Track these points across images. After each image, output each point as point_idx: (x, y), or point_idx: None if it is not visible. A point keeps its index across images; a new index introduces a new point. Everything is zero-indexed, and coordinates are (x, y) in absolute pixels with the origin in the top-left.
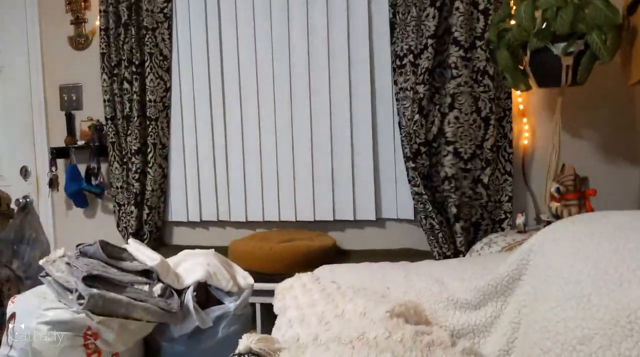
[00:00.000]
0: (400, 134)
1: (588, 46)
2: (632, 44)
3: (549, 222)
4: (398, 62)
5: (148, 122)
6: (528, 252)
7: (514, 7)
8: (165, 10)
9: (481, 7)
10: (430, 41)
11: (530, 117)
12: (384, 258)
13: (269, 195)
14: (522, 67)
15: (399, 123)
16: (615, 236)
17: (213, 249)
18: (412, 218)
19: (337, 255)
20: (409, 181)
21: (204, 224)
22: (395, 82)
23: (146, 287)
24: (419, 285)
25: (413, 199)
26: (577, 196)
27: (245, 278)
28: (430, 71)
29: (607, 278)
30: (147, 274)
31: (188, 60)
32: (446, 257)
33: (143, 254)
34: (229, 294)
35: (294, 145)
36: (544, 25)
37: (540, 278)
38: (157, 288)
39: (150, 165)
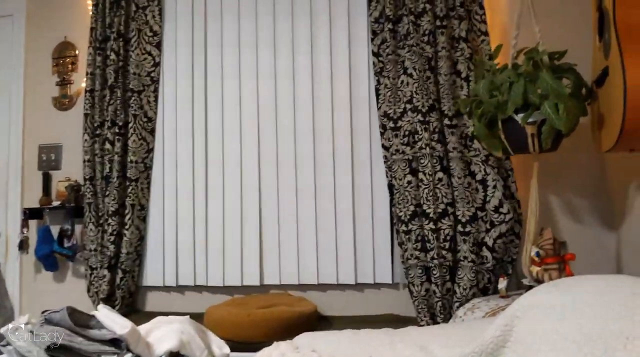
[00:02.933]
0: (393, 197)
1: None
2: (601, 114)
3: (530, 287)
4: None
5: (128, 183)
6: (512, 317)
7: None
8: (152, 74)
9: (463, 75)
10: (409, 106)
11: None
12: (367, 324)
13: (250, 258)
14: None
15: (391, 185)
16: (597, 301)
17: (188, 316)
18: (390, 282)
19: (318, 321)
20: (400, 245)
21: (180, 288)
22: (384, 147)
23: None
24: (404, 353)
25: (403, 263)
26: (557, 260)
27: (220, 348)
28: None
29: (592, 344)
30: (116, 343)
31: (172, 122)
32: (435, 323)
33: (113, 321)
34: None
35: (279, 210)
36: (501, 99)
37: (525, 345)
38: None
39: (127, 227)
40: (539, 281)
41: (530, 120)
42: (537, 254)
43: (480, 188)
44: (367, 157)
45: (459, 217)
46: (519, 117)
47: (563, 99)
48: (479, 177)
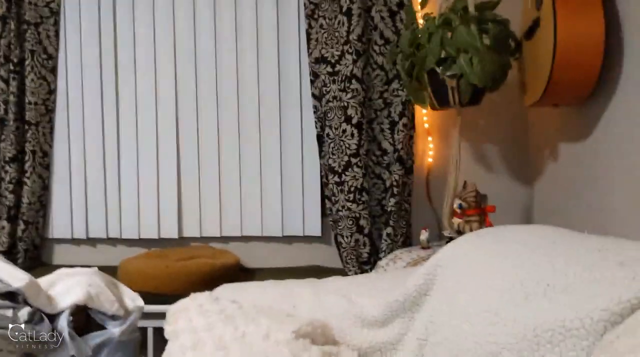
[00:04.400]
0: (326, 147)
1: None
2: (528, 68)
3: (451, 238)
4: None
5: (27, 127)
6: (435, 266)
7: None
8: (51, 5)
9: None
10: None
11: (434, 136)
12: (292, 276)
13: (168, 209)
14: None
15: (322, 135)
16: (519, 249)
17: (96, 268)
18: (320, 235)
19: (241, 273)
20: (330, 197)
21: (90, 241)
22: (314, 96)
23: (10, 312)
24: (327, 302)
25: (331, 215)
26: (478, 212)
27: (133, 300)
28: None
29: (514, 292)
30: (13, 297)
31: (77, 60)
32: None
33: (8, 274)
34: (114, 318)
35: (199, 156)
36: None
37: (447, 293)
38: (24, 313)
39: (27, 174)
40: (460, 233)
41: (449, 73)
42: (460, 206)
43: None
44: (297, 106)
45: (406, 166)
46: (440, 69)
47: (478, 53)
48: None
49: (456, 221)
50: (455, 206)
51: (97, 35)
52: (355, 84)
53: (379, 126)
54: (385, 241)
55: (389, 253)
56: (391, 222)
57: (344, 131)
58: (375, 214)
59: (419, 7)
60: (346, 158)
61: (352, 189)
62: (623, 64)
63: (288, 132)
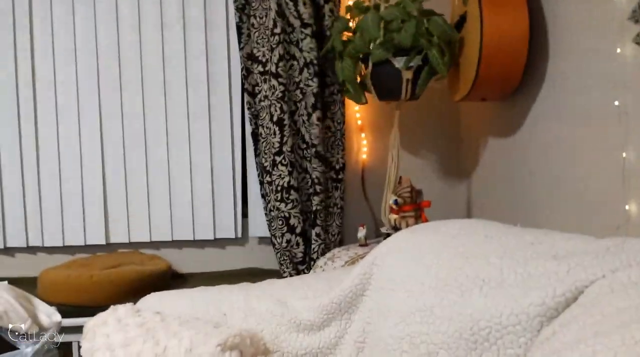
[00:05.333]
0: (260, 146)
1: (425, 61)
2: (458, 62)
3: (388, 235)
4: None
5: None
6: (370, 265)
7: (353, 20)
8: None
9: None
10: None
11: (367, 132)
12: (225, 280)
13: (93, 213)
14: (359, 80)
15: (256, 133)
16: (453, 244)
17: (5, 282)
18: (253, 236)
19: (173, 280)
20: (263, 196)
21: (8, 251)
22: (246, 91)
23: None
24: (260, 308)
25: (266, 215)
26: (414, 207)
27: (49, 315)
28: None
29: (448, 289)
30: None
31: None
32: (298, 274)
33: None
34: (27, 336)
35: (125, 157)
36: (386, 37)
37: (383, 292)
38: None
39: None
40: (397, 229)
41: (410, 64)
42: (396, 202)
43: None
44: (227, 104)
45: (333, 164)
46: (397, 61)
47: (451, 44)
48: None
49: (392, 217)
50: (390, 201)
51: (11, 23)
52: (272, 80)
53: (300, 118)
54: (316, 240)
55: (322, 253)
56: (318, 221)
57: (268, 128)
58: (308, 211)
59: None
60: (271, 157)
61: (279, 188)
62: (548, 60)
63: (217, 131)
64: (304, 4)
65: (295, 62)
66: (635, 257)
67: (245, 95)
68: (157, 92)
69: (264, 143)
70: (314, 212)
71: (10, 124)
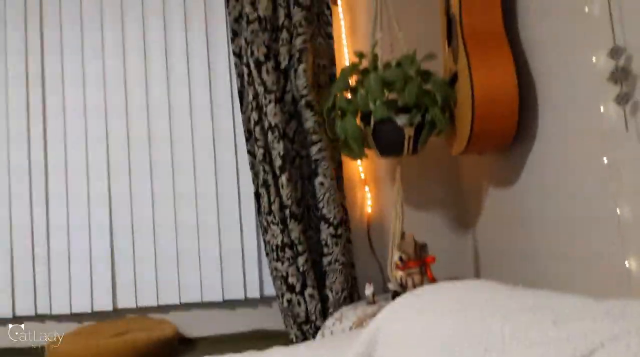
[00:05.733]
0: (261, 205)
1: (424, 117)
2: (452, 117)
3: (396, 292)
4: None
5: None
6: (375, 331)
7: (352, 80)
8: None
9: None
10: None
11: (371, 186)
12: (233, 344)
13: (100, 279)
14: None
15: (258, 192)
16: (455, 309)
17: None
18: (259, 297)
19: (180, 346)
20: (267, 254)
21: (17, 320)
22: (248, 152)
23: None
24: None
25: (271, 274)
26: (418, 263)
27: None
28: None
29: None
30: None
31: (3, 126)
32: (304, 336)
33: None
34: None
35: (133, 221)
36: (390, 97)
37: None
38: None
39: None
40: (403, 286)
41: (412, 121)
42: (400, 259)
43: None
44: (232, 163)
45: (330, 220)
46: (400, 118)
47: (452, 102)
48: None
49: (398, 273)
50: (395, 258)
51: (24, 68)
52: (255, 144)
53: (301, 180)
54: (312, 299)
55: (323, 312)
56: (327, 282)
57: (261, 189)
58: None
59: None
60: (264, 216)
61: (274, 247)
62: (538, 115)
63: (224, 190)
64: (267, 71)
65: (264, 126)
66: (635, 323)
67: (248, 155)
68: (163, 150)
69: (262, 202)
70: (308, 272)
71: (22, 191)
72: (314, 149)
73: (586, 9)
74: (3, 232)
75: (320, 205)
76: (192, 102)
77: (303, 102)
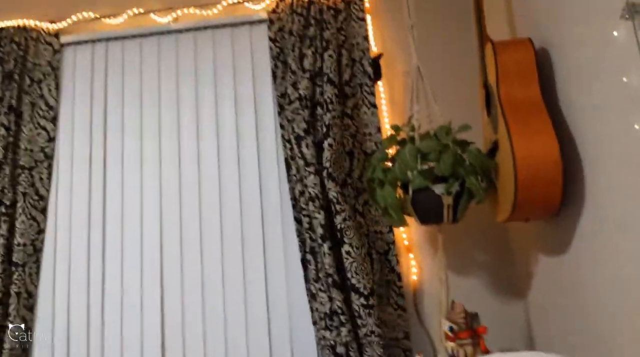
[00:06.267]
0: (307, 272)
1: (463, 186)
2: (496, 185)
3: None
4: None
5: (14, 268)
6: None
7: (391, 151)
8: (46, 150)
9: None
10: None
11: (415, 253)
12: None
13: None
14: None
15: (304, 260)
16: None
17: None
18: None
19: None
20: (314, 323)
21: None
22: (296, 220)
23: None
24: None
25: (318, 344)
26: (470, 334)
27: None
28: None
29: None
30: None
31: (67, 202)
32: None
33: None
34: None
35: (183, 307)
36: (426, 167)
37: None
38: None
39: (10, 318)
40: None
41: (450, 190)
42: (450, 329)
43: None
44: (280, 235)
45: (360, 290)
46: (437, 187)
47: (488, 172)
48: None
49: (449, 344)
50: (445, 328)
51: (88, 181)
52: (299, 214)
53: (320, 249)
54: None
55: None
56: (351, 353)
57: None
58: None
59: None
60: (315, 284)
61: (322, 315)
62: (585, 179)
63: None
64: (307, 145)
65: (306, 196)
66: None
67: (295, 223)
68: (213, 231)
69: (309, 269)
70: (344, 344)
71: (80, 273)
72: (339, 218)
73: (624, 79)
74: (61, 313)
75: (349, 275)
76: (240, 173)
77: (325, 173)
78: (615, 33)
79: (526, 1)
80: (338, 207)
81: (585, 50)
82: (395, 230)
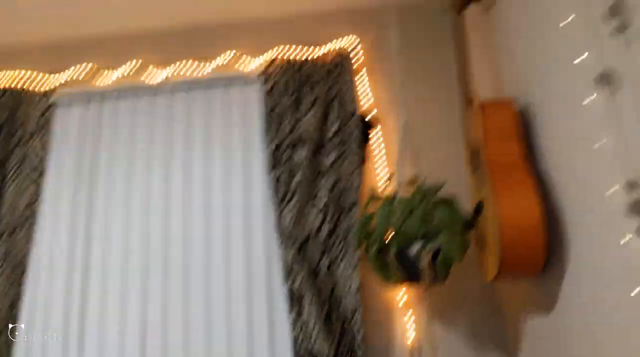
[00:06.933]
0: None
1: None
2: (482, 244)
3: None
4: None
5: None
6: None
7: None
8: (31, 207)
9: None
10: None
11: (412, 313)
12: None
13: None
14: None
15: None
16: None
17: None
18: None
19: None
20: None
21: None
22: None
23: None
24: None
25: None
26: None
27: None
28: None
29: None
30: None
31: (47, 261)
32: None
33: None
34: None
35: None
36: (398, 228)
37: None
38: None
39: None
40: None
41: (425, 250)
42: None
43: None
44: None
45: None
46: (414, 247)
47: (458, 231)
48: None
49: None
50: None
51: (69, 240)
52: None
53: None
54: None
55: None
56: None
57: None
58: None
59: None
60: None
61: None
62: (569, 240)
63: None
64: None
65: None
66: None
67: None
68: (198, 298)
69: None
70: None
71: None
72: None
73: (597, 144)
74: None
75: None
76: (229, 240)
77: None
78: (590, 98)
79: (510, 62)
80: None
81: (564, 113)
82: (392, 290)
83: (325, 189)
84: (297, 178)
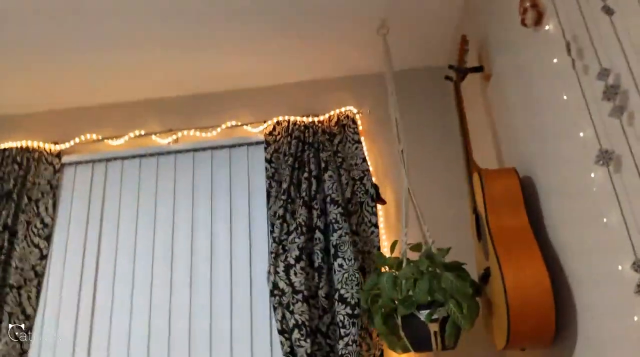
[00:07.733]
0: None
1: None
2: (490, 312)
3: None
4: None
5: None
6: None
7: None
8: (37, 268)
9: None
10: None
11: None
12: None
13: None
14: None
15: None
16: None
17: None
18: None
19: None
20: None
21: None
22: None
23: None
24: None
25: None
26: None
27: None
28: None
29: None
30: None
31: (54, 322)
32: None
33: None
34: None
35: None
36: (405, 295)
37: None
38: None
39: None
40: None
41: (433, 317)
42: None
43: None
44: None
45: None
46: (422, 314)
47: (467, 298)
48: None
49: None
50: None
51: (77, 300)
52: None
53: None
54: None
55: None
56: None
57: None
58: None
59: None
60: None
61: None
62: (577, 312)
63: None
64: (295, 273)
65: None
66: None
67: (279, 335)
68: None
69: None
70: None
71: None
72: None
73: (604, 220)
74: None
75: None
76: (232, 297)
77: (336, 296)
78: (592, 175)
79: (511, 133)
80: (343, 331)
81: (566, 187)
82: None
83: (356, 249)
84: (335, 236)
